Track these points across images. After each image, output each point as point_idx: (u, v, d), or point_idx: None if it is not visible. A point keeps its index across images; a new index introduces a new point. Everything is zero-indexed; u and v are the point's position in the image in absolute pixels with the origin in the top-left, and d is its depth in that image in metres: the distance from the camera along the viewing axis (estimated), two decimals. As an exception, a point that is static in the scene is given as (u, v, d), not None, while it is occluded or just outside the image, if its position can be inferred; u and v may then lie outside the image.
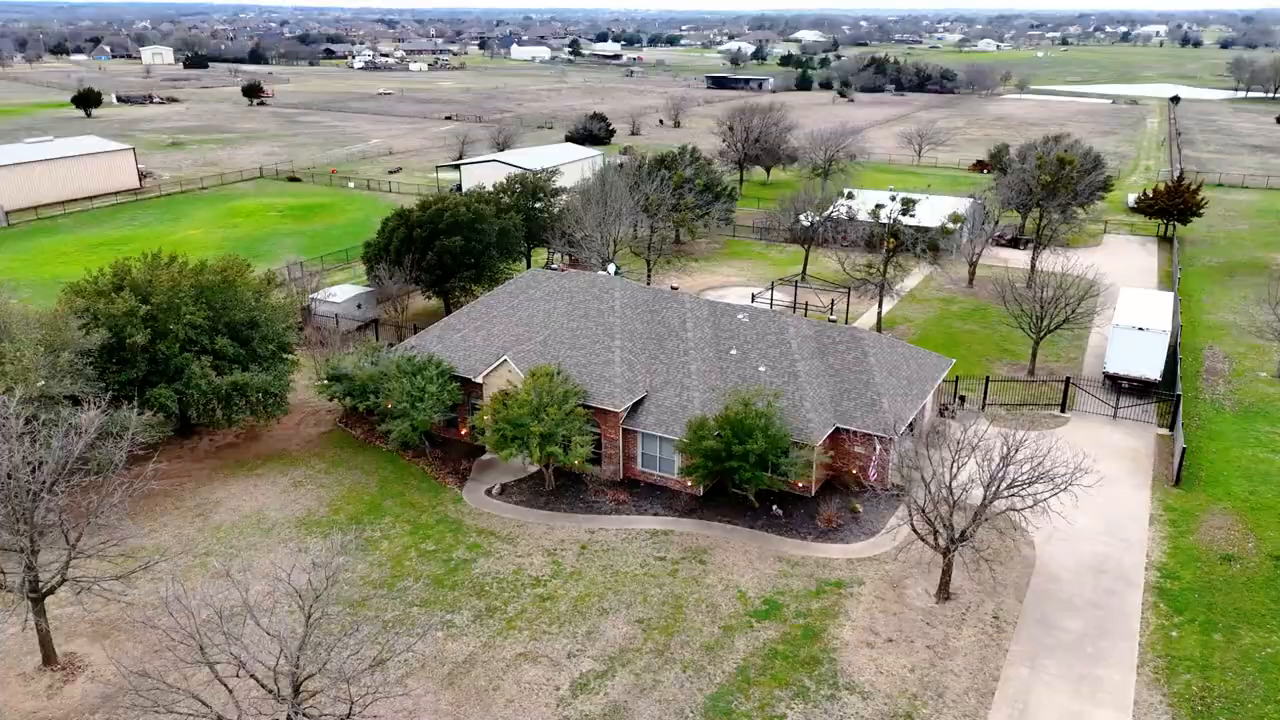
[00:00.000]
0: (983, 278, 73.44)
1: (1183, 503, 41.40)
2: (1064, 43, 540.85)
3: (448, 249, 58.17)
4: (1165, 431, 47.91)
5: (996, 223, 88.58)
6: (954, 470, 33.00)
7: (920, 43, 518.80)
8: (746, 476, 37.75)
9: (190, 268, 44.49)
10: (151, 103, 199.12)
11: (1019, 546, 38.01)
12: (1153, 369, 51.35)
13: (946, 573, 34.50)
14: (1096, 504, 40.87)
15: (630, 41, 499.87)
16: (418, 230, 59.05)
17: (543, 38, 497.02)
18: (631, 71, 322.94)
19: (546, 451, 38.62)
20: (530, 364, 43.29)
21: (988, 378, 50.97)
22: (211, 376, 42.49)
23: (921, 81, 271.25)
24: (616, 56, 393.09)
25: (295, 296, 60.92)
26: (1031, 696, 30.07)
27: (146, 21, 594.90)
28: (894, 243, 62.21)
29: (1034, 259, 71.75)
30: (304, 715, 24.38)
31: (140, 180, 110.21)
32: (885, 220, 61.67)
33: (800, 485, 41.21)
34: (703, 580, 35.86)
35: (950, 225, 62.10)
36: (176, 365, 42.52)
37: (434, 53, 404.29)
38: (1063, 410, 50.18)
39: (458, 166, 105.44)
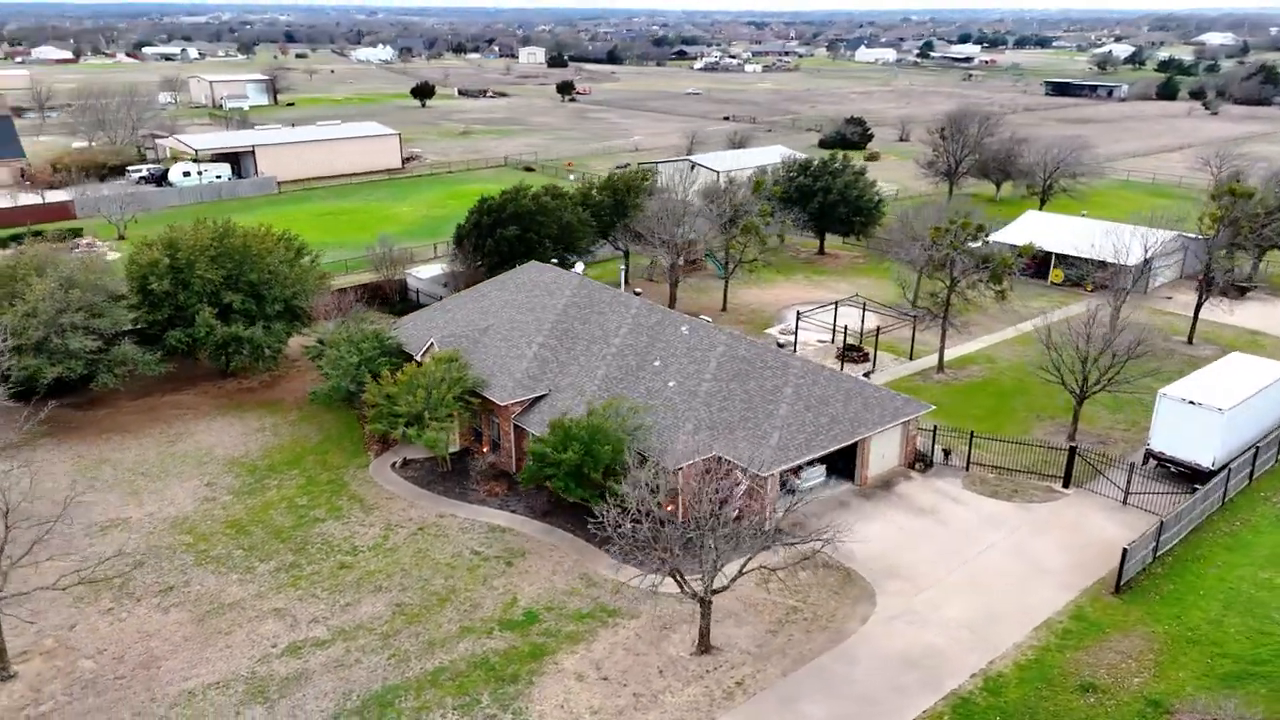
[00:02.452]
0: (1145, 324, 61.85)
1: (1105, 615, 33.36)
2: None
3: (505, 238, 61.12)
4: (1174, 529, 38.38)
5: (1208, 264, 74.25)
6: (710, 517, 29.97)
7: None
8: (559, 486, 36.74)
9: (220, 233, 51.49)
10: (485, 96, 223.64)
11: (850, 620, 33.20)
12: (1203, 453, 41.01)
13: (705, 624, 31.35)
14: (992, 596, 34.51)
15: (994, 43, 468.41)
16: (485, 217, 62.64)
17: (901, 39, 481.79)
18: (969, 75, 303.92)
19: (405, 432, 40.30)
20: (462, 348, 45.10)
21: (972, 433, 43.77)
22: (215, 326, 49.24)
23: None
24: (968, 59, 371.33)
25: (364, 269, 67.39)
26: (687, 774, 26.82)
27: (550, 24, 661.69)
28: (1060, 275, 54.81)
29: (1196, 308, 59.47)
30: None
31: (404, 163, 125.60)
32: (968, 245, 54.50)
33: (669, 508, 38.99)
34: (491, 581, 35.64)
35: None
36: (192, 313, 49.84)
37: (779, 54, 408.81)
38: (1065, 484, 41.89)
39: (655, 165, 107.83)
